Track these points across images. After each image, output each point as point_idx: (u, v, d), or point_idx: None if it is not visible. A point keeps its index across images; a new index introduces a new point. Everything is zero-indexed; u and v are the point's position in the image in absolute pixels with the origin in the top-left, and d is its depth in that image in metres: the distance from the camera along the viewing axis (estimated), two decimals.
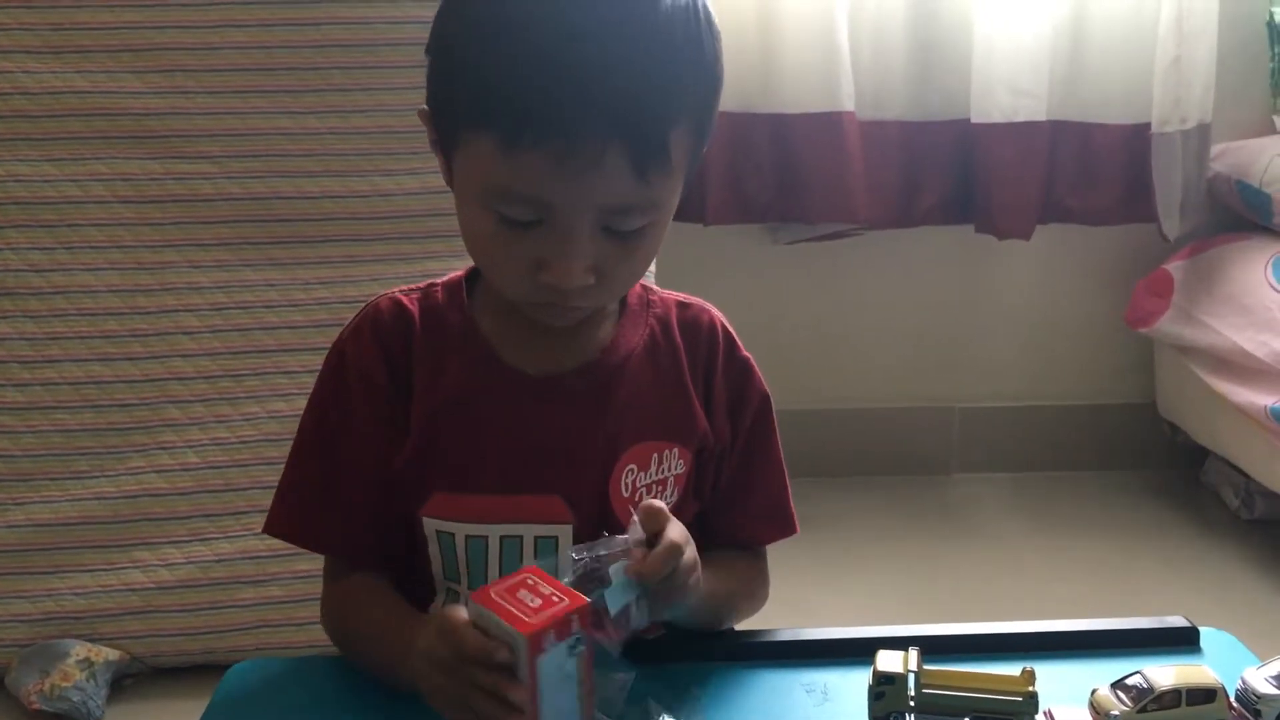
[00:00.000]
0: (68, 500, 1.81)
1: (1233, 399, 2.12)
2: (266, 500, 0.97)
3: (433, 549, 0.92)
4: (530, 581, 0.77)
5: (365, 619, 0.91)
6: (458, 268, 0.98)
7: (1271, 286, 2.12)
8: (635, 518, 0.83)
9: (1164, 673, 0.76)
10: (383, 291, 0.98)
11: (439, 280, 0.97)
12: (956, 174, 2.34)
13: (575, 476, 0.91)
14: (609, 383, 0.93)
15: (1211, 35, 2.25)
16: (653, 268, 1.90)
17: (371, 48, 1.89)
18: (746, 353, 1.00)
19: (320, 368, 0.97)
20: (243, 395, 1.85)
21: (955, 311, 2.53)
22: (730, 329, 1.00)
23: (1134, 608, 2.03)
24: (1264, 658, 0.82)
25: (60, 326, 1.85)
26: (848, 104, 2.23)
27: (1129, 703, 0.75)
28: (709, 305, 1.01)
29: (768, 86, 2.24)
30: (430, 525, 0.91)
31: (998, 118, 2.26)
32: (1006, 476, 2.54)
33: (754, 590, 1.02)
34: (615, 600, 0.80)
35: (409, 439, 0.92)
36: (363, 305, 0.97)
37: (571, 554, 0.81)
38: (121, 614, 1.78)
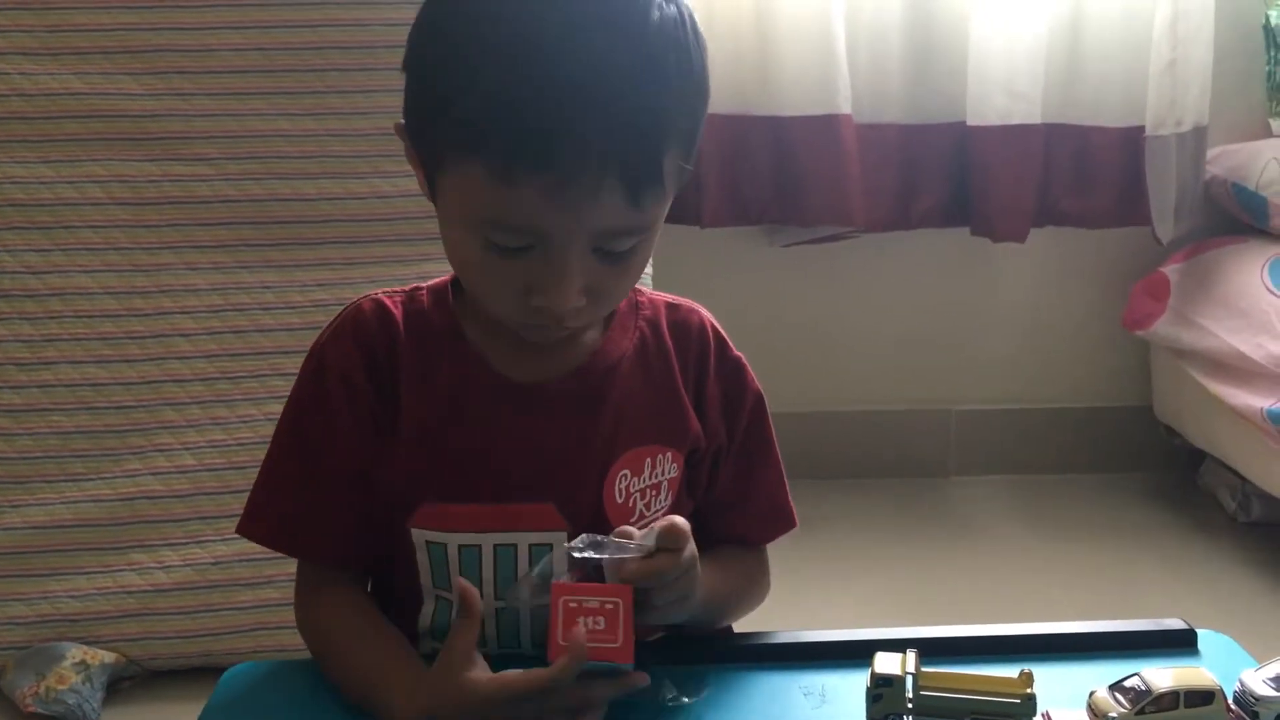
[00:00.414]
0: (63, 503, 1.81)
1: (1229, 402, 2.12)
2: None
3: (421, 558, 0.91)
4: (573, 604, 0.78)
5: (346, 650, 0.89)
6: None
7: (1268, 289, 2.12)
8: (655, 528, 0.83)
9: (1162, 675, 0.76)
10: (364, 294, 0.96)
11: (424, 284, 0.96)
12: (953, 177, 2.35)
13: (568, 484, 0.91)
14: (599, 388, 0.92)
15: (1208, 38, 2.25)
16: (649, 269, 1.90)
17: (369, 50, 1.89)
18: (738, 352, 0.99)
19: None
20: (239, 398, 1.85)
21: (951, 314, 2.53)
22: (720, 329, 0.99)
23: (1131, 610, 2.03)
24: (1261, 660, 0.82)
25: (56, 329, 1.85)
26: (844, 107, 2.23)
27: (1127, 705, 0.75)
28: (698, 306, 1.00)
29: (764, 89, 2.24)
30: (420, 535, 0.90)
31: (993, 120, 2.26)
32: (1003, 479, 2.54)
33: (756, 586, 1.02)
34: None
35: (398, 448, 0.90)
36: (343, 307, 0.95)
37: (575, 547, 0.81)
38: (118, 616, 1.77)
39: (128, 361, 1.85)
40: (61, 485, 1.81)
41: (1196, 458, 2.46)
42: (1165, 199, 2.28)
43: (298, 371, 0.95)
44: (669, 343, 0.96)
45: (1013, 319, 2.54)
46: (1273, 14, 2.33)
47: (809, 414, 2.46)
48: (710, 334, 0.98)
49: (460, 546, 0.90)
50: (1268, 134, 2.38)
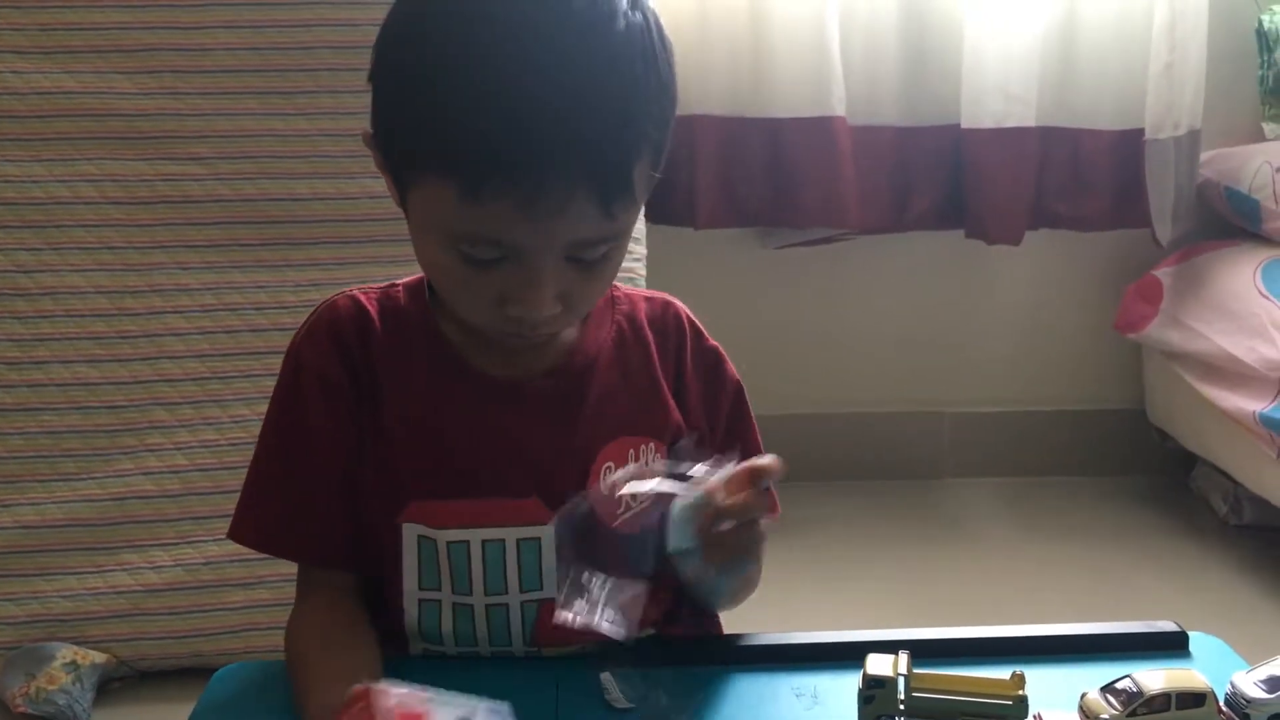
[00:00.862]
0: (54, 503, 1.80)
1: (1221, 405, 2.12)
2: None
3: (409, 560, 0.90)
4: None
5: (296, 662, 0.88)
6: None
7: (1260, 292, 2.12)
8: (731, 466, 0.81)
9: (1154, 677, 0.76)
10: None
11: (399, 281, 0.96)
12: (947, 179, 2.35)
13: (553, 478, 0.90)
14: (579, 383, 0.93)
15: (1201, 41, 2.26)
16: (643, 271, 1.90)
17: (361, 50, 1.87)
18: (714, 342, 1.00)
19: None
20: (231, 398, 1.84)
21: (945, 316, 2.53)
22: (695, 320, 1.00)
23: (1123, 612, 2.03)
24: (1253, 662, 0.82)
25: (47, 328, 1.84)
26: (839, 109, 2.23)
27: (1119, 707, 0.75)
28: (672, 298, 1.00)
29: (759, 91, 2.24)
30: (411, 531, 0.90)
31: (988, 123, 2.27)
32: (996, 481, 2.54)
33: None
34: (676, 539, 0.78)
35: (378, 446, 0.90)
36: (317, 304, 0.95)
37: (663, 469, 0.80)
38: (108, 617, 1.77)
39: (119, 361, 1.85)
40: (53, 484, 1.81)
41: (1188, 461, 2.46)
42: (1164, 202, 2.29)
43: None
44: (646, 335, 0.96)
45: (1006, 322, 2.55)
46: (1266, 18, 2.34)
47: (802, 416, 2.46)
48: (686, 324, 0.98)
49: (449, 544, 0.90)
50: (1260, 137, 2.38)
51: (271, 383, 0.97)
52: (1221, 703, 0.77)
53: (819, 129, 2.23)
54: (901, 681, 0.76)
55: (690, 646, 0.94)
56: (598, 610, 0.79)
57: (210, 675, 0.92)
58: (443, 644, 0.92)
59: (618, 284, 0.98)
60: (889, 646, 0.79)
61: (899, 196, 2.35)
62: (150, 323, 1.86)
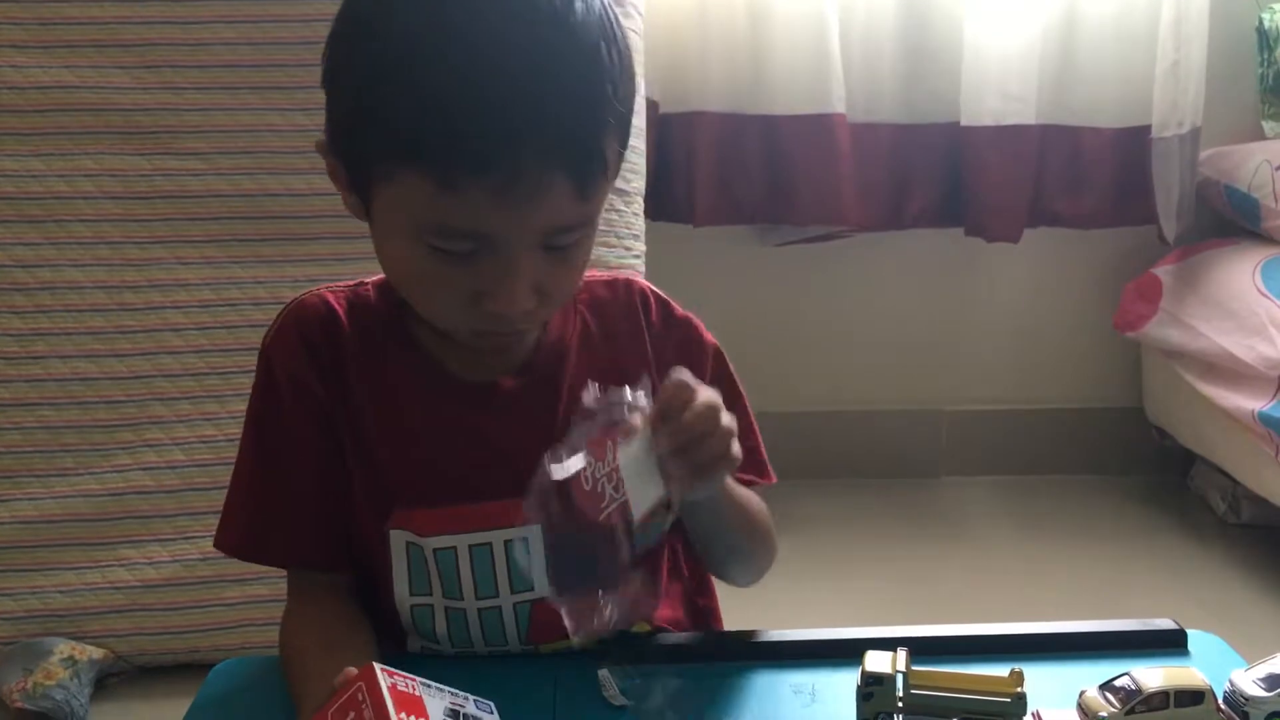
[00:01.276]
0: (53, 498, 1.80)
1: (1220, 403, 2.12)
2: None
3: (399, 567, 0.90)
4: (360, 698, 0.71)
5: (289, 665, 0.88)
6: None
7: (1259, 291, 2.12)
8: (642, 390, 0.79)
9: (1152, 674, 0.76)
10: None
11: (369, 279, 0.95)
12: (946, 177, 2.35)
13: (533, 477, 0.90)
14: (551, 378, 0.92)
15: (1203, 39, 2.26)
16: (642, 267, 1.90)
17: None
18: (685, 312, 0.98)
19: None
20: (229, 393, 1.84)
21: (944, 314, 2.53)
22: (660, 293, 0.98)
23: (1122, 611, 2.02)
24: (1251, 660, 0.82)
25: (46, 323, 1.84)
26: (838, 106, 2.23)
27: (1117, 704, 0.75)
28: (634, 275, 0.99)
29: (758, 88, 2.24)
30: (399, 538, 0.89)
31: (987, 121, 2.27)
32: (994, 480, 2.55)
33: (766, 518, 0.99)
34: (640, 497, 0.77)
35: (357, 451, 0.90)
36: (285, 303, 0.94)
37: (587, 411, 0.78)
38: (106, 612, 1.77)
39: (117, 356, 1.84)
40: (51, 480, 1.81)
41: (1187, 459, 2.46)
42: (1169, 199, 2.29)
43: None
44: (611, 319, 0.95)
45: (1005, 320, 2.55)
46: (1266, 16, 2.34)
47: (800, 414, 2.46)
48: (652, 300, 0.97)
49: (435, 550, 0.89)
50: (1259, 136, 2.38)
51: None
52: (1220, 701, 0.77)
53: (818, 126, 2.23)
54: (900, 679, 0.76)
55: (688, 643, 0.94)
56: (607, 609, 0.79)
57: (207, 670, 0.92)
58: (439, 644, 0.92)
59: None
60: (887, 644, 0.79)
61: (898, 194, 2.35)
62: (148, 318, 1.85)
